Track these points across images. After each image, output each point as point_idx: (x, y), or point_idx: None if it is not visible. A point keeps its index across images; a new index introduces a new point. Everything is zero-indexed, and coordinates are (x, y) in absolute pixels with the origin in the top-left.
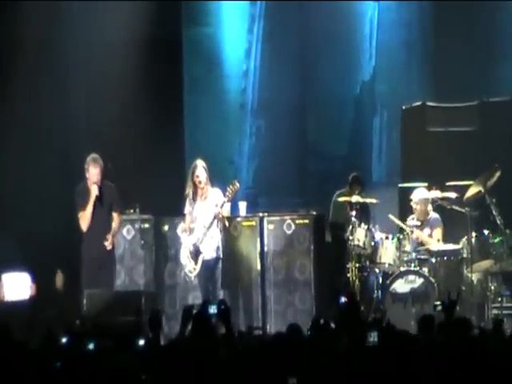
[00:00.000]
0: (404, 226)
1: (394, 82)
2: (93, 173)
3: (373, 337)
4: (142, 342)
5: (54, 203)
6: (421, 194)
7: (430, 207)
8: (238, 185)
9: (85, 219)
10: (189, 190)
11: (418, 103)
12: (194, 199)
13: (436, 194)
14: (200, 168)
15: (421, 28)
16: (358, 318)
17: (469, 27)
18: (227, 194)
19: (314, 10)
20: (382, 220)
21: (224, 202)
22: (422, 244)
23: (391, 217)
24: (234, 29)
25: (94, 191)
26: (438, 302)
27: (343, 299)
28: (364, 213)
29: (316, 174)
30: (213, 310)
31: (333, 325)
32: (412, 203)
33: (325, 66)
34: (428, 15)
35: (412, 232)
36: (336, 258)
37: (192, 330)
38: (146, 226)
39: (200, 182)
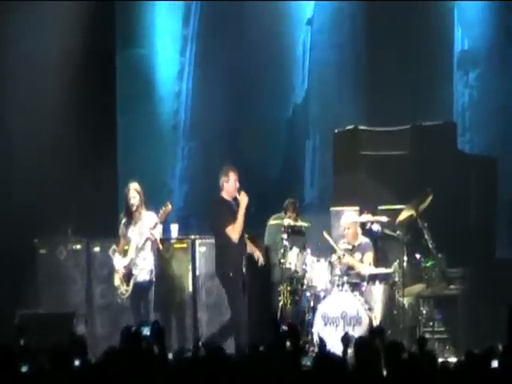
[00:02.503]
0: (336, 247)
1: (326, 105)
2: (235, 179)
3: (305, 361)
4: (76, 363)
5: None
6: (349, 217)
7: (360, 231)
8: (170, 206)
9: (238, 230)
10: (123, 213)
11: (351, 127)
12: (129, 222)
13: (367, 217)
14: (132, 191)
15: (354, 51)
16: (297, 345)
17: (402, 50)
18: (159, 215)
19: (247, 33)
20: (314, 242)
21: (156, 224)
22: (353, 268)
23: (326, 235)
24: (167, 50)
25: (245, 200)
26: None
27: (283, 327)
28: (299, 236)
29: (249, 196)
30: (147, 331)
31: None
32: (341, 227)
33: (257, 88)
34: (361, 38)
35: (344, 256)
36: (270, 281)
37: (126, 350)
38: (78, 247)
39: (132, 205)
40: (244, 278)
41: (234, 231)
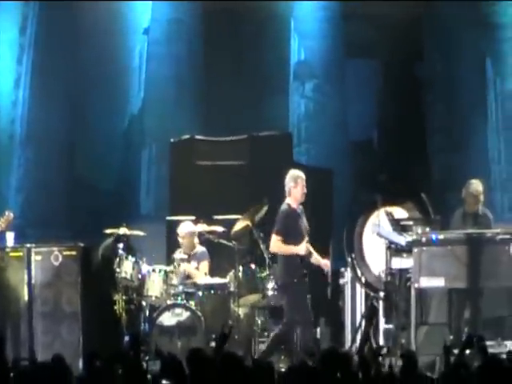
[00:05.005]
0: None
1: (163, 116)
2: (302, 185)
3: (152, 365)
4: None
5: None
6: (186, 227)
7: (196, 240)
8: (11, 215)
9: (282, 250)
10: None
11: (187, 136)
12: None
13: (203, 227)
14: None
15: (190, 62)
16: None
17: (238, 63)
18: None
19: (83, 42)
20: (150, 252)
21: None
22: (189, 277)
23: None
24: (4, 59)
25: (304, 250)
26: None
27: (127, 338)
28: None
29: (85, 207)
30: None
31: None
32: (178, 237)
33: (93, 99)
34: (197, 50)
35: (179, 265)
36: (104, 290)
37: None
38: None
39: None
40: (305, 286)
41: (278, 246)
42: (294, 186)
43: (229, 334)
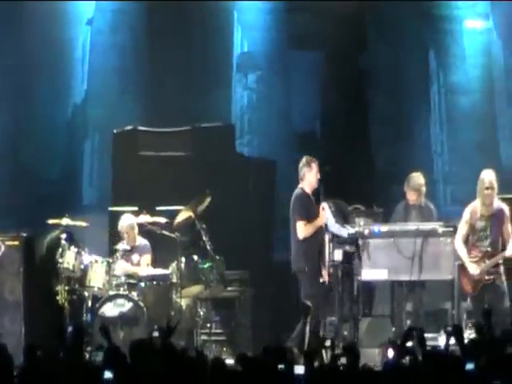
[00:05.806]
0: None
1: (106, 106)
2: (316, 170)
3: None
4: None
5: None
6: (125, 220)
7: (136, 231)
8: None
9: (308, 231)
10: None
11: (130, 127)
12: None
13: (146, 218)
14: None
15: (134, 53)
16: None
17: (182, 54)
18: None
19: (26, 31)
20: (93, 243)
21: None
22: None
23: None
24: None
25: (324, 218)
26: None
27: (70, 328)
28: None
29: (28, 197)
30: None
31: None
32: (120, 229)
33: (36, 89)
34: (141, 41)
35: (121, 257)
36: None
37: None
38: None
39: None
40: (319, 272)
41: (305, 229)
42: (309, 171)
43: (175, 328)
